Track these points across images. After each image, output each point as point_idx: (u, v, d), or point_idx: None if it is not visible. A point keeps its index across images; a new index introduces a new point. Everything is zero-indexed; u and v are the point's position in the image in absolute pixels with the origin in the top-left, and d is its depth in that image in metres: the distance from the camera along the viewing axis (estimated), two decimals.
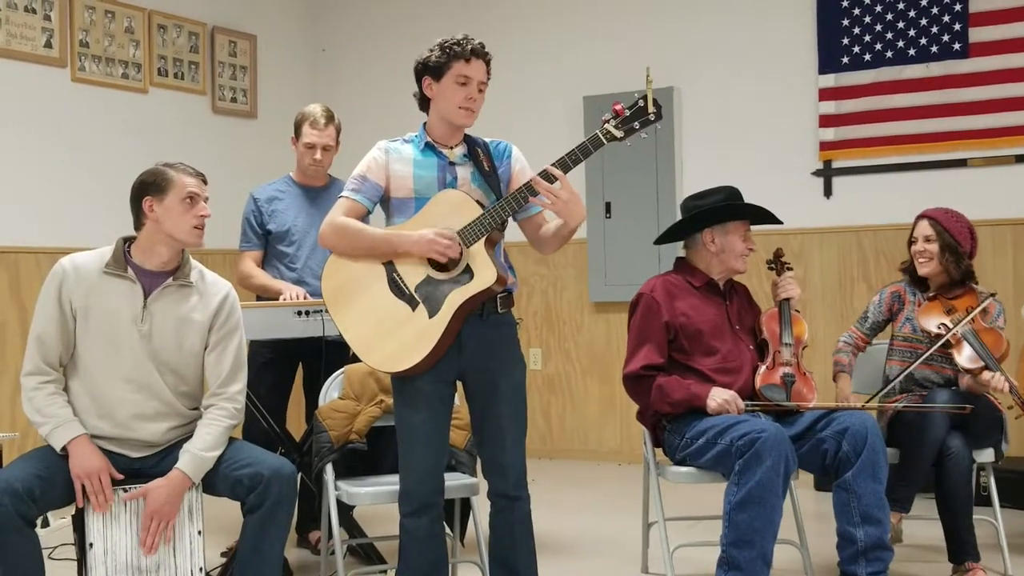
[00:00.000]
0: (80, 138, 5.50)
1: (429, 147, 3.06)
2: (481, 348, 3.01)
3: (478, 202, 2.98)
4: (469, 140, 3.11)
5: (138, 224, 3.01)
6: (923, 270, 3.92)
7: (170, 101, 6.00)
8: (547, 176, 2.92)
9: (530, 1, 6.45)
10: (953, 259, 3.86)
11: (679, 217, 3.83)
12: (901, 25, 5.50)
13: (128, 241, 3.04)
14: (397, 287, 2.97)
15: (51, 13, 5.34)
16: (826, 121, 5.68)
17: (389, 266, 2.99)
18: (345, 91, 6.92)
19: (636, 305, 3.68)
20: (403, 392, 3.02)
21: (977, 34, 5.35)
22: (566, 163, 2.94)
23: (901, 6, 5.50)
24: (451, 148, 3.07)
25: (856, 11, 5.59)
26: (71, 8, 5.43)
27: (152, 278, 3.00)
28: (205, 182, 3.05)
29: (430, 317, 2.92)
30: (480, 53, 3.02)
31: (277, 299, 3.91)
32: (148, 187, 2.97)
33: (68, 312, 2.93)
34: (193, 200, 2.98)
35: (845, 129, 5.64)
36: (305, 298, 3.91)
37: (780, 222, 3.73)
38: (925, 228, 3.92)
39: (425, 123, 3.11)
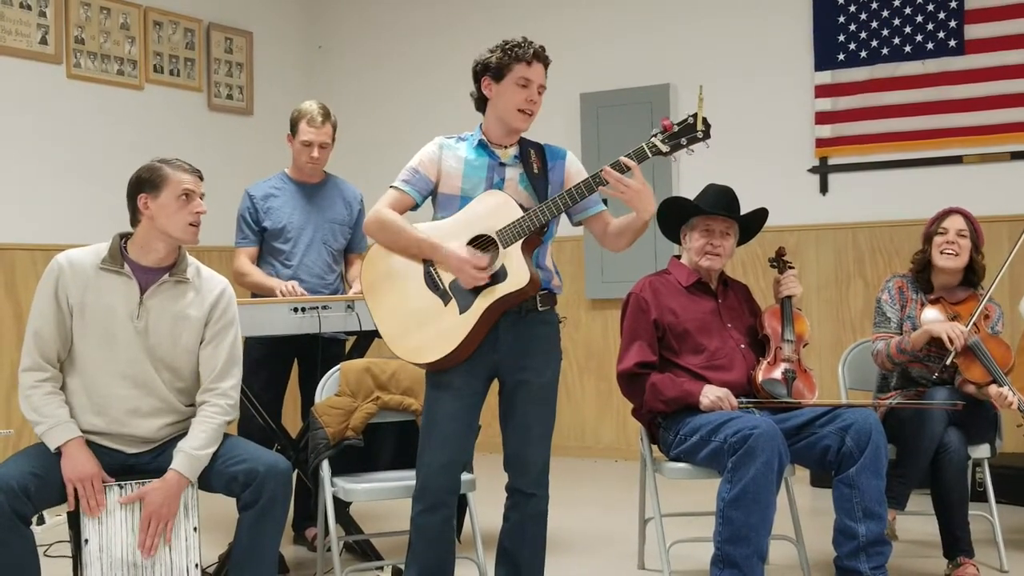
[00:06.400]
0: (75, 135, 5.49)
1: (482, 146, 3.09)
2: (517, 345, 3.03)
3: (520, 205, 2.99)
4: (523, 142, 3.13)
5: (134, 220, 3.01)
6: (948, 263, 3.86)
7: (166, 98, 6.00)
8: (619, 167, 2.92)
9: None
10: (978, 258, 3.88)
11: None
12: (897, 22, 5.50)
13: (124, 237, 3.03)
14: (432, 281, 3.00)
15: (46, 9, 5.33)
16: (822, 118, 5.68)
17: (427, 260, 3.02)
18: (341, 88, 6.92)
19: (627, 305, 3.72)
20: (434, 384, 3.04)
21: (973, 31, 5.36)
22: (604, 177, 2.93)
23: (897, 3, 5.51)
24: (504, 148, 3.09)
25: (852, 8, 5.60)
26: (66, 5, 5.42)
27: (148, 274, 2.99)
28: (201, 178, 3.05)
29: (460, 313, 2.94)
30: (541, 56, 3.05)
31: (273, 295, 3.90)
32: (143, 184, 2.97)
33: (65, 308, 2.93)
34: (188, 197, 2.97)
35: (841, 126, 5.65)
36: (300, 294, 3.91)
37: (736, 218, 3.72)
38: (959, 222, 3.88)
39: (481, 123, 3.13)
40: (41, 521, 4.26)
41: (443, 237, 3.00)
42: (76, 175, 5.47)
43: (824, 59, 5.67)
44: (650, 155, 2.96)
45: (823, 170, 5.72)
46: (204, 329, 3.04)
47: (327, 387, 3.59)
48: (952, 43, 5.38)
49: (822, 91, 5.68)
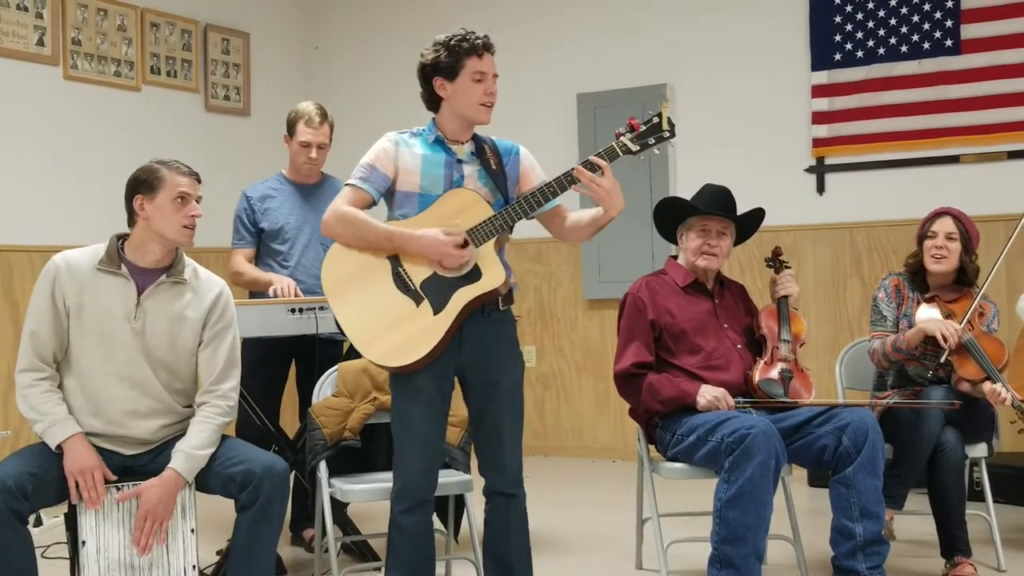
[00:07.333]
0: (72, 136, 5.49)
1: (438, 143, 3.05)
2: (482, 345, 3.01)
3: (487, 202, 2.98)
4: (476, 138, 3.10)
5: (131, 221, 3.01)
6: (938, 266, 3.86)
7: (163, 99, 5.99)
8: (591, 166, 2.93)
9: None
10: (968, 259, 3.87)
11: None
12: (893, 21, 5.51)
13: (121, 238, 3.03)
14: (402, 282, 2.95)
15: (43, 11, 5.32)
16: (819, 118, 5.69)
17: (394, 260, 2.97)
18: (338, 89, 6.91)
19: (623, 305, 3.73)
20: (403, 389, 3.01)
21: (969, 30, 5.36)
22: (576, 175, 2.94)
23: (893, 3, 5.51)
24: (461, 145, 3.06)
25: (848, 8, 5.60)
26: (63, 6, 5.41)
27: (145, 275, 2.99)
28: (199, 180, 3.04)
29: (435, 314, 2.91)
30: (489, 46, 3.03)
31: (267, 290, 3.91)
32: (140, 185, 2.97)
33: (62, 309, 2.93)
34: (184, 200, 2.97)
35: (838, 126, 5.65)
36: (296, 290, 3.91)
37: (733, 218, 3.72)
38: (949, 225, 3.87)
39: (434, 119, 3.09)
40: (39, 522, 4.26)
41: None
42: (73, 176, 5.47)
43: (821, 59, 5.67)
44: (620, 154, 2.98)
45: (820, 170, 5.73)
46: (202, 331, 3.04)
47: (324, 388, 3.58)
48: (948, 43, 5.38)
49: (819, 91, 5.68)
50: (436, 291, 2.93)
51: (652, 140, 2.99)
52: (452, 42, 2.99)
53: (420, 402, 2.98)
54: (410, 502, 3.00)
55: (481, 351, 3.01)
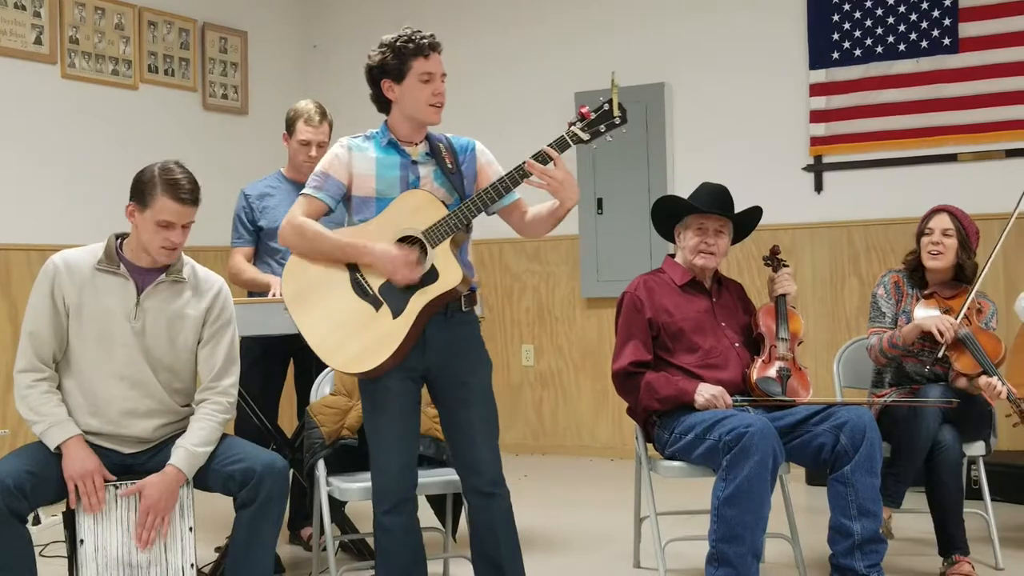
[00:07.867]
0: (70, 135, 5.49)
1: (392, 145, 3.02)
2: (446, 347, 2.99)
3: (442, 202, 2.95)
4: (431, 138, 3.07)
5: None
6: (934, 263, 3.88)
7: (161, 98, 5.99)
8: (542, 158, 2.89)
9: None
10: (966, 256, 3.88)
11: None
12: (891, 20, 5.51)
13: (120, 237, 3.03)
14: (360, 288, 2.93)
15: (41, 10, 5.32)
16: (816, 117, 5.69)
17: (352, 267, 2.95)
18: (336, 87, 6.89)
19: (621, 304, 3.73)
20: (372, 392, 2.99)
21: (967, 29, 5.37)
22: (527, 168, 2.91)
23: (891, 1, 5.52)
24: (414, 146, 3.03)
25: (846, 6, 5.61)
26: (61, 5, 5.41)
27: (144, 274, 2.99)
28: (196, 203, 2.97)
29: (394, 318, 2.88)
30: (436, 46, 2.99)
31: (266, 293, 3.91)
32: (136, 192, 2.94)
33: (61, 309, 2.93)
34: (167, 227, 2.93)
35: (835, 124, 5.66)
36: None
37: (730, 216, 3.73)
38: (945, 221, 3.89)
39: (386, 121, 3.07)
40: (37, 521, 4.26)
41: (368, 240, 2.93)
42: (71, 175, 5.46)
43: (818, 57, 5.68)
44: (572, 144, 2.93)
45: (818, 168, 5.73)
46: (202, 329, 3.04)
47: (322, 386, 3.59)
48: (946, 41, 5.39)
49: (816, 89, 5.69)
50: (394, 295, 2.89)
51: (603, 128, 2.93)
52: (398, 43, 2.96)
53: (390, 402, 2.96)
54: (391, 502, 2.98)
55: (447, 354, 2.99)
